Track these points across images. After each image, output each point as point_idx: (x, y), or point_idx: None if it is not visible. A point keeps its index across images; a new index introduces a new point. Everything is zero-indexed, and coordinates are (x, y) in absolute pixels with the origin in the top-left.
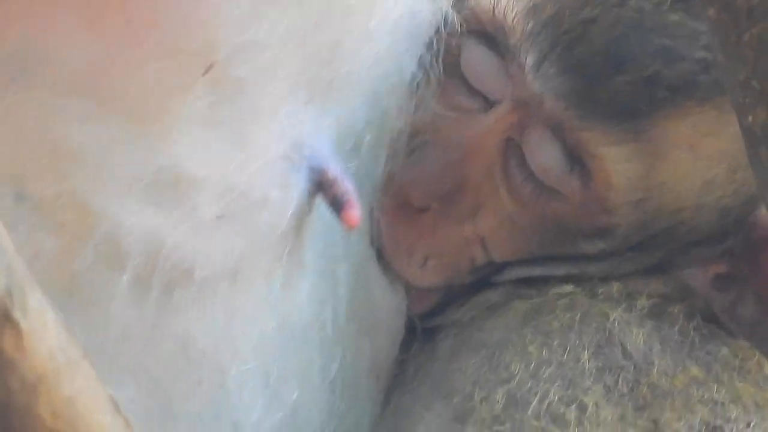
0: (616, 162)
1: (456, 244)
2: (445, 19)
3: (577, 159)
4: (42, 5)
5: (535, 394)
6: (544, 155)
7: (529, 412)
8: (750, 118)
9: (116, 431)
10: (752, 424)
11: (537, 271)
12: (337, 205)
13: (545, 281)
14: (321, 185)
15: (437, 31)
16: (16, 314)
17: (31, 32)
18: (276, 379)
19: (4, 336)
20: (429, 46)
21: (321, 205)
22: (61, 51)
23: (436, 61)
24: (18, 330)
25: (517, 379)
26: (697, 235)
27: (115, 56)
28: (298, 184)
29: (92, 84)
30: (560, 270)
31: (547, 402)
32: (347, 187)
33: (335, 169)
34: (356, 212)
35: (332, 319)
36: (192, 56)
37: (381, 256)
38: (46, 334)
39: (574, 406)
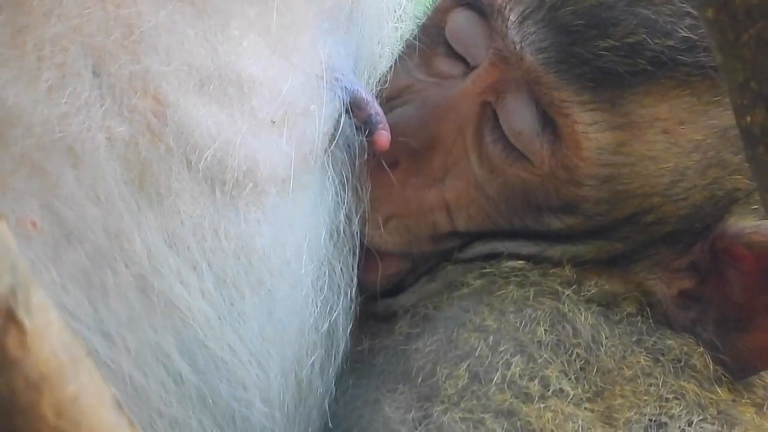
0: (588, 126)
1: (420, 206)
2: None
3: (549, 121)
4: None
5: (497, 368)
6: (517, 117)
7: (493, 386)
8: (748, 119)
9: (120, 429)
10: (694, 422)
11: (500, 247)
12: (371, 125)
13: (498, 256)
14: (353, 105)
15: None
16: (20, 313)
17: None
18: (328, 286)
19: (8, 335)
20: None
21: (346, 124)
22: None
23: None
24: (22, 329)
25: (477, 353)
26: (663, 228)
27: None
28: (333, 102)
29: None
30: (524, 249)
31: (509, 375)
32: (379, 109)
33: (367, 93)
34: (388, 134)
35: (358, 227)
36: None
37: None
38: (49, 333)
39: (537, 380)
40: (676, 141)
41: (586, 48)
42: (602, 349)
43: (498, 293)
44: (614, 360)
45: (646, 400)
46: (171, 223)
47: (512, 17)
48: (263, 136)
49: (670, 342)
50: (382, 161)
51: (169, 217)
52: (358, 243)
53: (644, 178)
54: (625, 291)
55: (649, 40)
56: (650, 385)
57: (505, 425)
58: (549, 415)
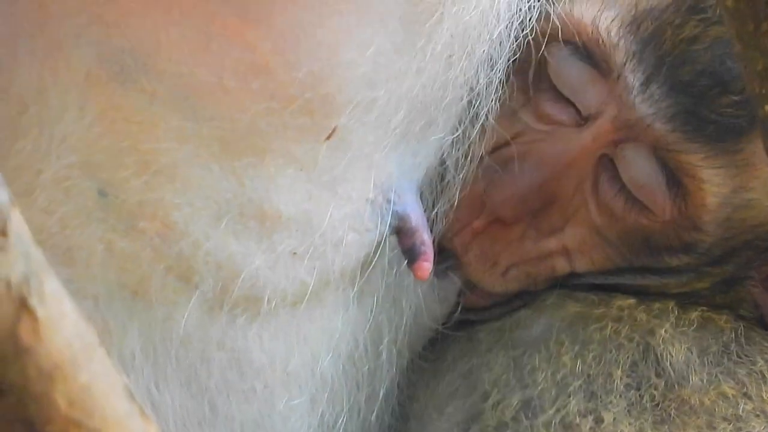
0: (714, 185)
1: (541, 254)
2: (524, 24)
3: (675, 179)
4: (153, 9)
5: (553, 404)
6: (640, 171)
7: (540, 420)
8: (766, 108)
9: (132, 419)
10: None
11: (615, 279)
12: (413, 255)
13: (610, 289)
14: (400, 231)
15: (523, 35)
16: (33, 302)
17: (134, 35)
18: (325, 406)
19: (21, 323)
20: (511, 54)
21: (391, 244)
22: (162, 63)
23: (522, 69)
24: (35, 317)
25: (540, 387)
26: None
27: (222, 83)
28: (377, 229)
29: (192, 104)
30: (638, 281)
31: (563, 413)
32: (425, 238)
33: (417, 218)
34: (429, 265)
35: (387, 346)
36: (313, 114)
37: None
38: (62, 322)
39: (591, 417)
40: None
41: (711, 108)
42: (687, 385)
43: (590, 327)
44: (698, 394)
45: (721, 425)
46: (154, 332)
47: (636, 83)
48: (279, 267)
49: (759, 362)
50: (504, 221)
51: (155, 327)
52: (390, 361)
53: (759, 208)
54: (718, 300)
55: None
56: (728, 409)
57: None
58: None
